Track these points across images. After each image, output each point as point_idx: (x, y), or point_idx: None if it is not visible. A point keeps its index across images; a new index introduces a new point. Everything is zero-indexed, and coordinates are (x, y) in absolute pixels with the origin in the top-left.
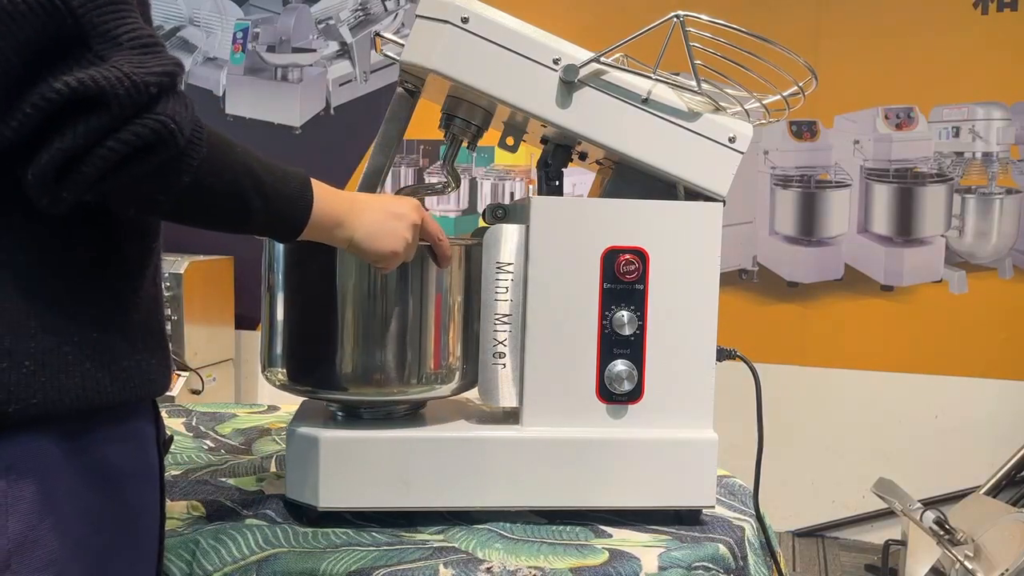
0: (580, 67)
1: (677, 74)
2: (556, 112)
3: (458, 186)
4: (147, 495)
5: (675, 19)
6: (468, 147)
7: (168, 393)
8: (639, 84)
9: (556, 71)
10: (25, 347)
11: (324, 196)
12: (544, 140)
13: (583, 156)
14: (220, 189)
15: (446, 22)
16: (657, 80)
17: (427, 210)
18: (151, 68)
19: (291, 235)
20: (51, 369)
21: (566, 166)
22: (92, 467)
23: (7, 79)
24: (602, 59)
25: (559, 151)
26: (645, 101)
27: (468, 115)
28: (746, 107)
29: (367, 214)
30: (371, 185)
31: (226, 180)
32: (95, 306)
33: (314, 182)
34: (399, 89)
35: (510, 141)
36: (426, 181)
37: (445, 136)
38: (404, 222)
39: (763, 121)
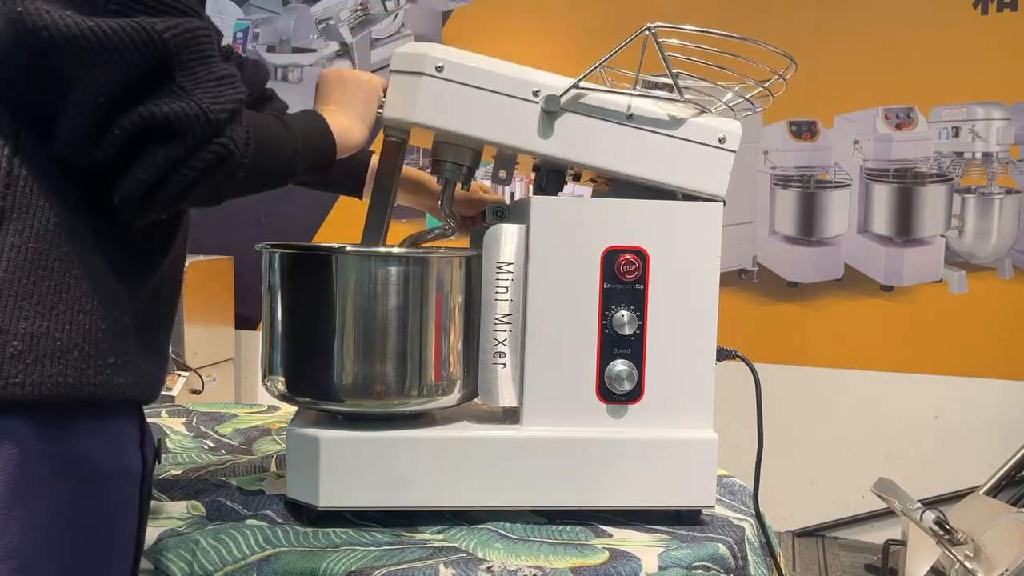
0: (560, 96)
1: (661, 77)
2: (543, 144)
3: (458, 227)
4: (124, 498)
5: (647, 32)
6: (462, 187)
7: (168, 393)
8: (621, 101)
9: (537, 103)
10: (15, 327)
11: (336, 127)
12: (536, 168)
13: (577, 177)
14: (268, 167)
15: (422, 74)
16: (638, 95)
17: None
18: (223, 104)
19: (327, 170)
20: (37, 352)
21: (561, 189)
22: (68, 461)
23: (106, 108)
24: (582, 83)
25: (552, 176)
26: (629, 117)
27: (457, 157)
28: (727, 102)
29: (352, 109)
30: (373, 240)
31: (271, 160)
32: (92, 299)
33: (319, 115)
34: (385, 140)
35: (503, 174)
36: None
37: (438, 180)
38: (367, 91)
39: (749, 112)
